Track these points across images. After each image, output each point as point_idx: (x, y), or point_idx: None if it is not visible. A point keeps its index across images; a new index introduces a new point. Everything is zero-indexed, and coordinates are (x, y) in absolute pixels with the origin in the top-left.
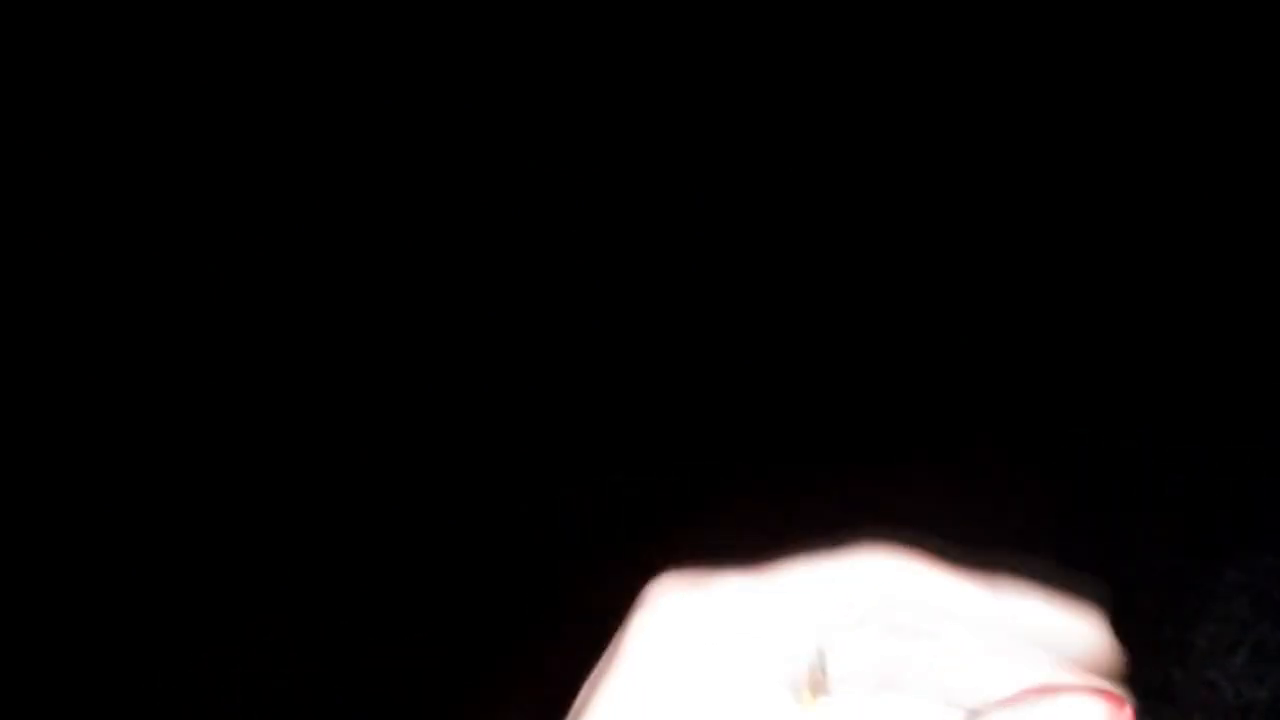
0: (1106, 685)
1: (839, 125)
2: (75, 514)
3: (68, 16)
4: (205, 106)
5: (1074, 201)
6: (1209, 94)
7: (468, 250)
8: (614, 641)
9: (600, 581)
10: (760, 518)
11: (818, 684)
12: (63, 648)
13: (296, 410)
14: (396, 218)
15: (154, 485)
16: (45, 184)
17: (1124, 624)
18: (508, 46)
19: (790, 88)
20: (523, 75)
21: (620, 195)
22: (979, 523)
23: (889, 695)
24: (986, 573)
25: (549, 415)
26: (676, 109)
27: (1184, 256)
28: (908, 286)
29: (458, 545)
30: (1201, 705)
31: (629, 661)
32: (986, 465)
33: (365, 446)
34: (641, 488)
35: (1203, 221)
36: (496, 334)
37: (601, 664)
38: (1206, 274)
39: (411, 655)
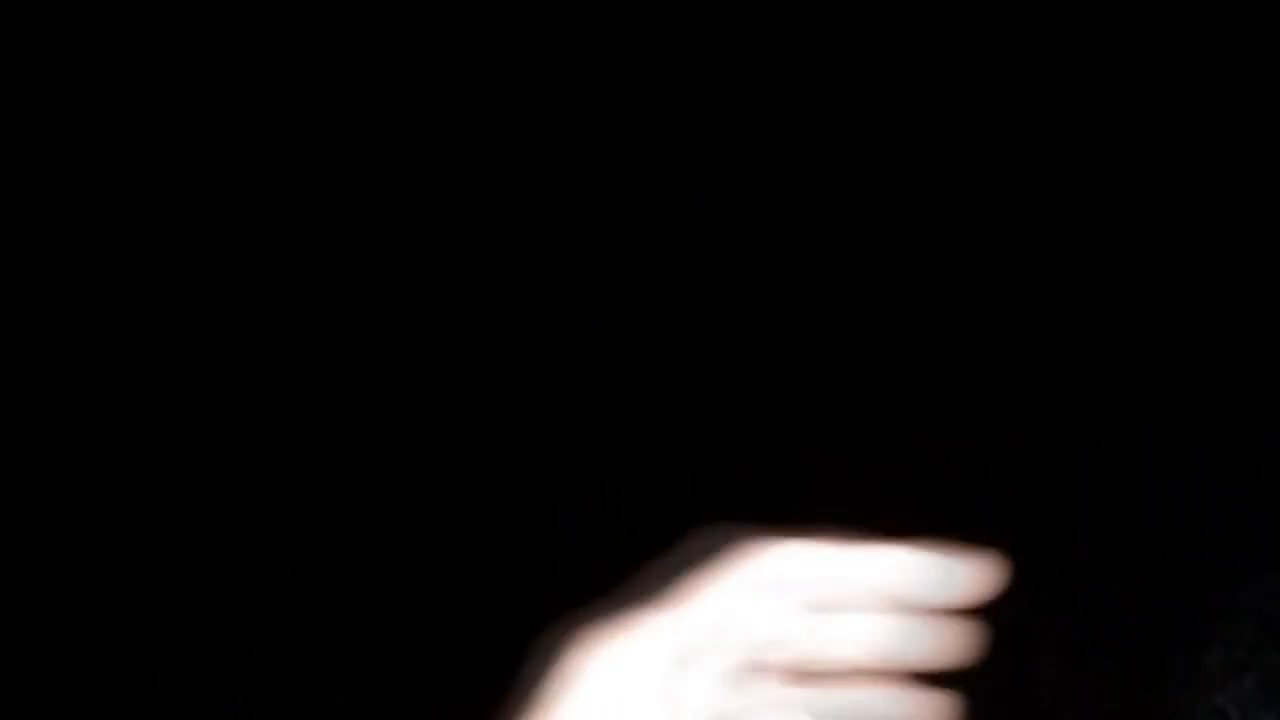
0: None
1: (838, 125)
2: (75, 514)
3: (67, 16)
4: (205, 106)
5: (1074, 201)
6: (1209, 94)
7: (468, 250)
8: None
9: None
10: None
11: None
12: (63, 648)
13: (296, 410)
14: (396, 218)
15: (154, 485)
16: (45, 184)
17: (1130, 649)
18: (507, 46)
19: (790, 88)
20: (522, 75)
21: (620, 195)
22: (977, 522)
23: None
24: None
25: (549, 415)
26: (676, 109)
27: (1183, 256)
28: (908, 286)
29: (458, 545)
30: None
31: None
32: (986, 465)
33: (365, 447)
34: (641, 488)
35: (1202, 221)
36: (496, 334)
37: None
38: (1206, 274)
39: (411, 655)
